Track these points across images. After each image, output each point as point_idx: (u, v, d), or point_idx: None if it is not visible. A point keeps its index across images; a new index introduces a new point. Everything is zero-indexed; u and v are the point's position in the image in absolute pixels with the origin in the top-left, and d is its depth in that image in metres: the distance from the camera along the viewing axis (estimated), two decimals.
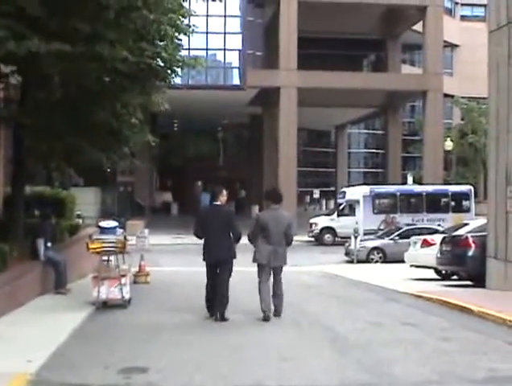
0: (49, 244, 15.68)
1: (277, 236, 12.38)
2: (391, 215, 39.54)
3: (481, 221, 20.29)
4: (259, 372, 8.21)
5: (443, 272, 21.14)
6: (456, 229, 21.16)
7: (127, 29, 13.77)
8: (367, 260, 30.34)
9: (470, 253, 18.21)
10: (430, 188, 42.48)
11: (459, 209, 40.39)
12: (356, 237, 30.16)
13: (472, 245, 18.25)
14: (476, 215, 38.31)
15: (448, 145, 49.60)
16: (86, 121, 15.79)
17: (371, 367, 8.56)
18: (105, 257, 14.16)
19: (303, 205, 60.50)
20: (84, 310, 13.24)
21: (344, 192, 42.75)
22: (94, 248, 13.78)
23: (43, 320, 12.04)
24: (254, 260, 12.56)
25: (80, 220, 26.56)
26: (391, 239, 31.21)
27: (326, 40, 54.88)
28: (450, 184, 46.49)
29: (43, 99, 15.30)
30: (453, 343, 10.21)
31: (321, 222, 42.13)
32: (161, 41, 15.57)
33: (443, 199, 41.40)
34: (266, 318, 12.17)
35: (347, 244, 31.98)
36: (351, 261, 30.33)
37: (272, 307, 12.52)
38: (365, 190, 41.04)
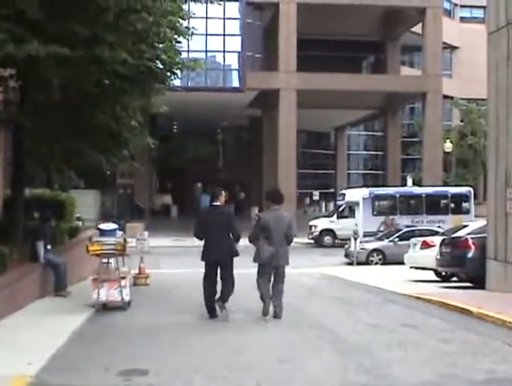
0: (49, 247, 15.67)
1: (278, 236, 12.46)
2: (391, 217, 39.51)
3: (481, 223, 20.29)
4: (259, 374, 8.22)
5: (443, 273, 21.14)
6: (456, 231, 21.16)
7: (126, 31, 13.77)
8: (367, 262, 30.31)
9: (470, 255, 18.22)
10: (429, 190, 42.46)
11: (458, 211, 40.38)
12: (355, 239, 30.15)
13: (472, 247, 18.25)
14: (475, 216, 38.28)
15: (448, 146, 49.61)
16: (86, 123, 15.81)
17: (371, 369, 8.56)
18: (105, 260, 14.18)
19: (302, 207, 60.49)
20: (83, 312, 13.25)
21: (344, 194, 42.74)
22: (94, 251, 13.80)
23: (42, 323, 12.04)
24: (255, 260, 12.67)
25: (80, 223, 26.55)
26: (391, 241, 31.18)
27: (325, 42, 54.89)
28: (449, 186, 46.48)
29: (43, 101, 15.30)
30: (453, 345, 10.22)
31: (321, 224, 42.12)
32: (160, 43, 15.57)
33: (443, 201, 41.38)
34: (265, 313, 12.48)
35: (347, 246, 31.97)
36: (351, 263, 30.31)
37: (271, 311, 12.61)
38: (365, 192, 41.02)
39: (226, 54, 47.53)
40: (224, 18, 46.19)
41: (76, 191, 26.92)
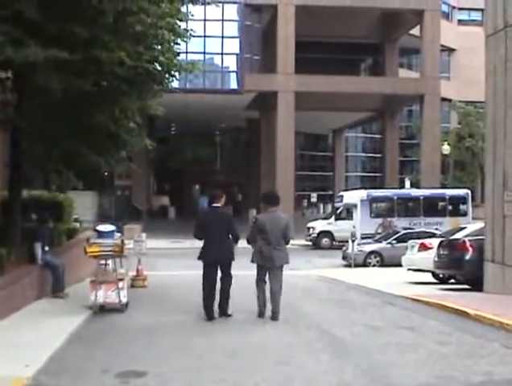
0: (46, 248, 15.65)
1: (275, 237, 12.63)
2: (389, 219, 39.58)
3: (479, 225, 20.31)
4: (257, 376, 8.22)
5: (441, 275, 21.16)
6: (454, 233, 21.17)
7: (125, 33, 13.79)
8: (364, 264, 30.32)
9: (467, 257, 18.23)
10: (427, 192, 42.53)
11: (456, 213, 40.47)
12: (353, 241, 30.18)
13: (470, 249, 18.26)
14: (473, 218, 38.38)
15: (446, 149, 49.60)
16: (84, 124, 15.81)
17: (368, 371, 8.57)
18: (103, 261, 14.17)
19: (300, 209, 60.51)
20: (81, 314, 13.23)
21: (342, 196, 42.76)
22: (92, 252, 13.79)
23: (40, 324, 12.03)
24: (253, 261, 12.85)
25: (78, 224, 26.54)
26: (389, 243, 31.19)
27: (323, 44, 54.95)
28: (447, 188, 46.51)
29: (41, 103, 15.30)
30: (450, 347, 10.22)
31: (319, 226, 42.17)
32: (159, 45, 15.59)
33: (441, 203, 41.45)
34: (260, 315, 12.72)
35: (344, 248, 31.98)
36: (348, 265, 30.33)
37: (269, 311, 12.75)
38: (363, 194, 41.06)
39: (224, 56, 47.58)
40: (222, 20, 46.24)
41: (73, 193, 26.97)
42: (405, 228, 34.91)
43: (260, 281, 12.85)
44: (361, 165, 79.49)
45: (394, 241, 30.84)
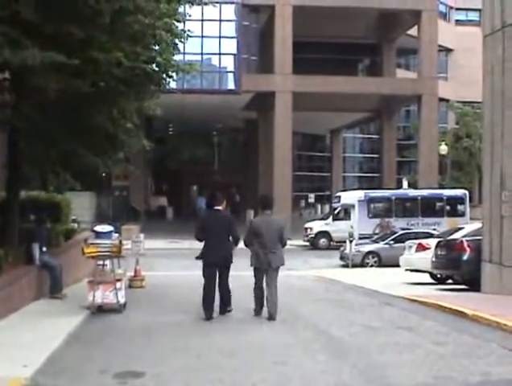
0: (44, 249, 15.65)
1: (270, 239, 12.84)
2: (386, 220, 39.59)
3: (476, 225, 20.33)
4: (255, 376, 8.23)
5: (439, 276, 21.17)
6: (451, 233, 21.18)
7: (122, 33, 13.78)
8: (362, 265, 30.32)
9: (465, 257, 18.24)
10: (425, 192, 42.53)
11: (454, 213, 40.49)
12: (351, 241, 30.19)
13: (467, 249, 18.27)
14: (471, 219, 38.38)
15: (443, 149, 49.63)
16: (82, 125, 15.80)
17: (366, 371, 8.58)
18: (101, 262, 14.17)
19: (298, 209, 60.48)
20: (79, 314, 13.24)
21: (339, 196, 42.73)
22: (90, 253, 13.80)
23: (38, 325, 12.03)
24: (251, 264, 13.07)
25: (76, 225, 26.54)
26: (386, 243, 31.19)
27: (321, 44, 54.95)
28: (445, 188, 46.52)
29: (38, 103, 15.29)
30: (448, 347, 10.24)
31: (316, 226, 42.17)
32: (157, 45, 15.60)
33: (438, 204, 41.47)
34: (257, 313, 13.08)
35: (342, 249, 31.97)
36: (346, 265, 30.32)
37: (266, 312, 12.90)
38: (360, 194, 41.07)
39: (222, 56, 47.56)
40: (220, 21, 46.20)
41: (71, 193, 26.90)
42: (403, 229, 34.90)
43: (257, 283, 13.07)
44: (359, 165, 79.45)
45: (392, 242, 30.83)
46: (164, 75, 16.76)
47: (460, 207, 41.25)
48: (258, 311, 13.16)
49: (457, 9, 71.61)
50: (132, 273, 19.25)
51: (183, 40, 16.54)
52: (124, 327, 12.23)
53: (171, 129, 64.91)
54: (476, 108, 54.81)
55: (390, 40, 58.53)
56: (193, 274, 20.07)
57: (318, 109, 52.45)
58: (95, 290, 13.57)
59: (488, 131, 17.78)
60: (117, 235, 14.68)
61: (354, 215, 39.49)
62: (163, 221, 55.40)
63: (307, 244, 41.95)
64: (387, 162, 58.40)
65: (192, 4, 16.61)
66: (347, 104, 52.94)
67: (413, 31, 52.67)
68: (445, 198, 41.46)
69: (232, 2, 46.84)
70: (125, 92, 15.38)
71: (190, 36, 16.92)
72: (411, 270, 22.74)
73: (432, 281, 21.39)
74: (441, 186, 49.45)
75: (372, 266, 30.44)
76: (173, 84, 20.15)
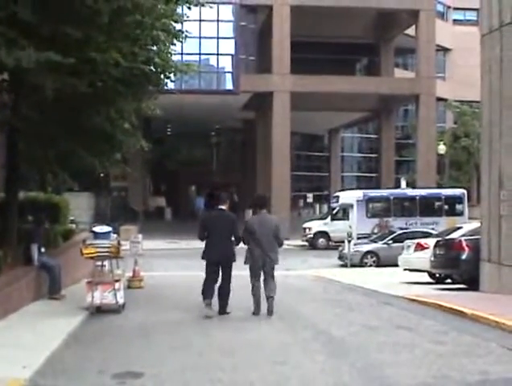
0: (43, 250, 15.66)
1: (264, 238, 13.13)
2: (385, 219, 39.63)
3: (475, 225, 20.33)
4: (254, 376, 8.24)
5: (437, 275, 21.17)
6: (450, 233, 21.20)
7: (119, 34, 13.77)
8: (361, 264, 30.31)
9: (464, 257, 18.25)
10: (423, 192, 42.57)
11: (452, 213, 40.53)
12: (349, 241, 30.18)
13: (466, 249, 18.29)
14: (469, 218, 38.39)
15: (441, 148, 49.69)
16: (80, 125, 15.79)
17: (365, 371, 8.58)
18: (99, 262, 14.17)
19: (296, 209, 60.46)
20: (78, 315, 13.24)
21: (338, 196, 42.76)
22: (88, 253, 13.80)
23: (37, 326, 12.02)
24: (245, 263, 13.32)
25: (74, 225, 26.54)
26: (385, 243, 31.19)
27: (319, 44, 54.91)
28: (443, 188, 46.54)
29: (37, 103, 15.27)
30: (447, 346, 10.25)
31: (315, 226, 42.17)
32: (154, 45, 15.59)
33: (437, 203, 41.50)
34: (256, 312, 13.21)
35: (341, 248, 31.97)
36: (345, 265, 30.33)
37: (265, 309, 13.18)
38: (359, 194, 41.12)
39: (220, 56, 47.51)
40: (217, 21, 46.17)
41: (69, 194, 26.95)
42: (401, 228, 34.94)
43: (254, 281, 13.31)
44: (357, 165, 79.42)
45: (391, 241, 30.83)
46: (162, 76, 16.77)
47: (458, 207, 41.31)
48: (256, 310, 13.26)
49: (455, 8, 71.61)
50: (131, 274, 19.25)
51: (181, 39, 16.53)
52: (123, 328, 12.24)
53: (169, 130, 64.87)
54: (474, 108, 54.80)
55: (388, 40, 58.55)
56: (192, 274, 20.11)
57: (316, 109, 52.44)
58: (94, 291, 13.58)
59: (486, 130, 17.79)
60: (115, 235, 14.69)
61: (353, 215, 39.51)
62: (161, 222, 55.38)
63: (306, 243, 41.99)
64: (385, 162, 58.44)
65: (190, 5, 16.59)
66: (345, 104, 52.93)
67: (411, 31, 52.69)
68: (443, 197, 41.51)
69: (229, 3, 46.83)
70: (123, 92, 15.36)
71: (188, 37, 16.93)
72: (410, 270, 22.74)
73: (431, 280, 21.39)
74: (439, 186, 49.46)
75: (370, 266, 30.43)
76: (171, 85, 20.11)
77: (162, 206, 62.16)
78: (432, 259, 19.86)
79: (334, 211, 41.70)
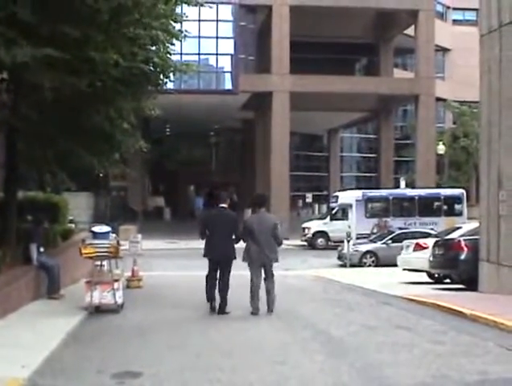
0: (42, 249, 15.66)
1: (263, 236, 13.30)
2: (384, 219, 39.64)
3: (474, 225, 20.33)
4: (253, 376, 8.24)
5: (436, 275, 21.18)
6: (449, 233, 21.21)
7: (119, 33, 13.77)
8: (360, 264, 30.31)
9: (462, 257, 18.27)
10: (422, 192, 42.57)
11: (451, 213, 40.55)
12: (348, 241, 30.16)
13: (465, 249, 18.30)
14: (468, 218, 38.41)
15: (441, 148, 49.70)
16: (80, 125, 15.78)
17: (365, 371, 8.58)
18: (98, 262, 14.18)
19: (295, 209, 60.47)
20: (77, 314, 13.24)
21: (337, 196, 42.79)
22: (87, 253, 13.80)
23: (35, 325, 12.02)
24: (243, 260, 13.50)
25: (73, 225, 26.53)
26: (384, 243, 31.20)
27: (318, 44, 54.89)
28: (442, 188, 46.53)
29: (36, 102, 15.27)
30: (446, 346, 10.25)
31: (314, 226, 42.17)
32: (153, 45, 15.59)
33: (436, 203, 41.52)
34: (254, 312, 13.25)
35: (340, 248, 31.97)
36: (344, 265, 30.33)
37: (265, 306, 13.35)
38: (358, 194, 41.14)
39: (219, 56, 47.48)
40: (217, 21, 46.16)
41: (68, 194, 26.90)
42: (400, 228, 34.96)
43: (253, 281, 13.43)
44: (357, 165, 79.41)
45: (390, 241, 30.84)
46: (161, 76, 16.77)
47: (457, 207, 41.32)
48: (255, 309, 13.32)
49: (454, 8, 71.61)
50: (130, 274, 19.25)
51: (180, 39, 16.53)
52: (121, 327, 12.24)
53: (168, 130, 64.81)
54: (473, 108, 54.79)
55: (388, 40, 58.56)
56: (191, 274, 20.11)
57: (315, 109, 52.43)
58: (93, 291, 13.58)
59: (485, 131, 17.80)
60: (114, 235, 14.70)
61: (352, 215, 39.53)
62: (160, 221, 55.39)
63: (305, 243, 41.98)
64: (385, 162, 58.45)
65: (189, 5, 16.58)
66: (344, 104, 52.93)
67: (410, 31, 52.70)
68: (443, 197, 41.53)
69: (229, 3, 46.81)
70: (122, 91, 15.37)
71: (187, 36, 16.93)
72: (409, 270, 22.75)
73: (430, 280, 21.41)
74: (439, 186, 49.44)
75: (369, 266, 30.43)
76: (170, 85, 20.14)
77: (161, 206, 62.16)
78: (431, 259, 19.87)
79: (333, 211, 41.69)
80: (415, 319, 13.20)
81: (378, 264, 30.14)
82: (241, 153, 65.66)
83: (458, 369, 8.55)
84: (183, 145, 65.81)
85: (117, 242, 14.18)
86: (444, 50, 68.23)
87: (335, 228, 39.56)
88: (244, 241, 13.54)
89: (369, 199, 40.71)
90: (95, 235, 14.03)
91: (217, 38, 46.92)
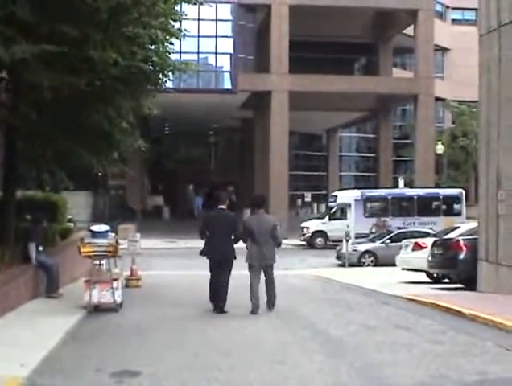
0: (41, 248, 15.64)
1: (262, 237, 13.46)
2: (383, 219, 39.61)
3: (472, 224, 20.36)
4: (252, 375, 8.24)
5: (435, 275, 21.19)
6: (448, 232, 21.22)
7: (117, 32, 13.76)
8: (359, 264, 30.30)
9: (461, 256, 18.27)
10: (421, 191, 42.52)
11: (450, 212, 40.52)
12: (347, 241, 30.16)
13: (464, 248, 18.31)
14: (467, 218, 38.40)
15: (439, 148, 49.68)
16: (79, 123, 15.77)
17: (364, 371, 8.58)
18: (97, 261, 14.18)
19: (294, 209, 60.47)
20: (75, 313, 13.24)
21: (336, 196, 42.77)
22: (86, 252, 13.80)
23: (34, 324, 12.01)
24: (246, 261, 13.66)
25: (72, 224, 26.51)
26: (383, 242, 31.20)
27: (317, 44, 54.87)
28: (441, 187, 46.53)
29: (35, 101, 15.26)
30: (445, 346, 10.25)
31: (313, 225, 42.16)
32: (153, 44, 15.58)
33: (435, 203, 41.48)
34: (254, 311, 13.34)
35: (338, 248, 31.97)
36: (342, 265, 30.33)
37: (265, 300, 13.62)
38: (357, 193, 41.10)
39: (218, 56, 47.44)
40: (216, 20, 46.12)
41: (67, 193, 26.87)
42: (399, 228, 34.98)
43: (253, 281, 13.54)
44: (355, 164, 79.42)
45: (388, 241, 30.84)
46: (160, 75, 16.76)
47: (456, 207, 41.29)
48: (255, 309, 13.38)
49: (453, 8, 71.61)
50: (128, 273, 19.24)
51: (179, 38, 16.52)
52: (120, 326, 12.24)
53: (167, 129, 64.79)
54: (472, 108, 54.78)
55: (387, 39, 58.55)
56: (190, 274, 20.11)
57: (314, 109, 52.42)
58: (91, 289, 13.58)
59: (484, 130, 17.81)
60: (113, 234, 14.70)
61: (351, 215, 39.49)
62: (159, 221, 55.35)
63: (304, 243, 41.96)
64: (383, 161, 58.46)
65: (188, 4, 16.58)
66: (343, 104, 52.91)
67: (409, 31, 52.68)
68: (441, 197, 41.50)
69: (228, 2, 46.75)
70: (121, 90, 15.37)
71: (186, 35, 16.91)
72: (408, 269, 22.76)
73: (429, 280, 21.41)
74: (437, 186, 49.44)
75: (368, 265, 30.42)
76: (169, 84, 20.11)
77: (160, 205, 62.11)
78: (430, 259, 19.87)
79: (332, 211, 41.67)
80: (414, 319, 13.20)
81: (377, 263, 30.13)
82: (240, 152, 65.64)
83: (457, 369, 8.55)
84: (182, 144, 65.80)
85: (116, 241, 14.17)
86: (443, 49, 68.21)
87: (334, 228, 39.52)
88: (244, 242, 13.66)
89: (367, 199, 40.68)
90: (94, 234, 14.03)
91: (216, 37, 46.88)
